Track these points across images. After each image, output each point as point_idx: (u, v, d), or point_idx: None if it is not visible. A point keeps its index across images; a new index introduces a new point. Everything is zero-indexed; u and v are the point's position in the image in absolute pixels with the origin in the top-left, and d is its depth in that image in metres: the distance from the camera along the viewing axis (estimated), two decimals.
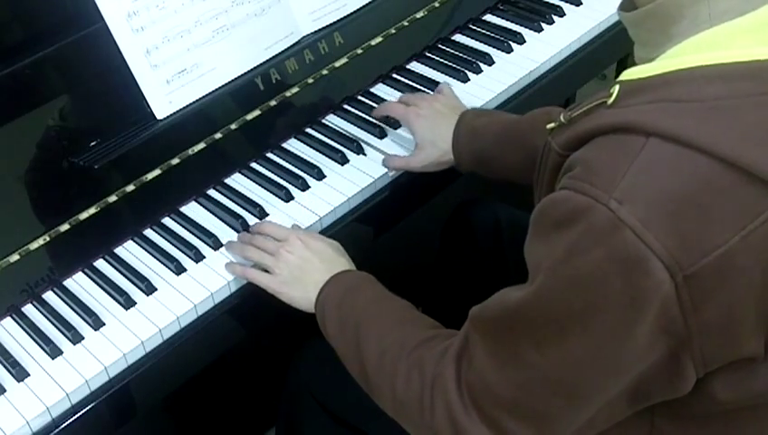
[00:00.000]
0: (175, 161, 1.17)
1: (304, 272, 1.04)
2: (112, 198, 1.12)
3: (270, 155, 1.27)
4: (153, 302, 1.06)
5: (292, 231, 1.09)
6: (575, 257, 0.67)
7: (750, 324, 0.70)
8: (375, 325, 0.93)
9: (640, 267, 0.65)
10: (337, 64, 1.32)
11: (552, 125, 0.81)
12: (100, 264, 1.12)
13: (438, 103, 1.23)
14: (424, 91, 1.35)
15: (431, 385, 0.82)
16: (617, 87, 0.73)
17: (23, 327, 1.04)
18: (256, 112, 1.24)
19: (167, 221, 1.18)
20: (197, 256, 1.11)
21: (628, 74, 0.73)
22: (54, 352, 1.01)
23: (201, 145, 1.19)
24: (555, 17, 1.49)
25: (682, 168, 0.66)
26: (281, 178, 1.22)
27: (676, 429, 0.80)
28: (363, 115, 1.33)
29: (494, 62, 1.41)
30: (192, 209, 1.19)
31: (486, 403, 0.77)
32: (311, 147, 1.28)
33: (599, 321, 0.68)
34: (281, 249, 1.05)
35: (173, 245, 1.14)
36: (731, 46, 0.69)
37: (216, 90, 1.21)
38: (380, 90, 1.38)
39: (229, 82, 1.22)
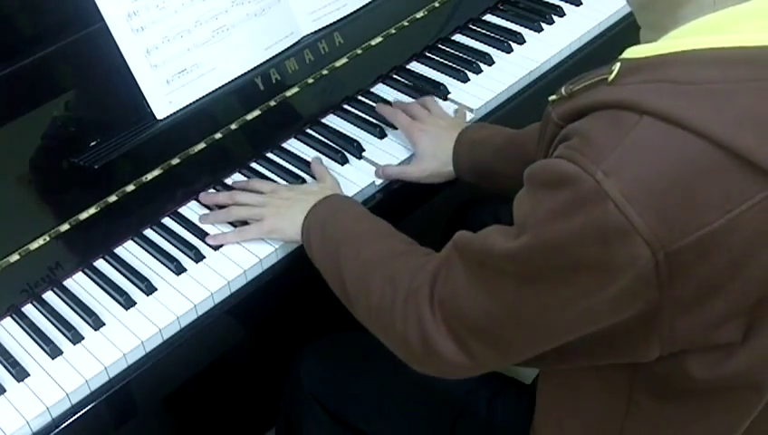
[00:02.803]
0: (175, 161, 1.17)
1: (291, 206, 1.08)
2: (112, 198, 1.12)
3: (270, 155, 1.27)
4: (153, 302, 1.06)
5: (278, 185, 1.13)
6: (557, 222, 0.69)
7: (727, 308, 0.71)
8: (355, 241, 0.97)
9: (619, 239, 0.66)
10: (337, 64, 1.32)
11: (553, 97, 0.82)
12: (100, 264, 1.12)
13: (443, 121, 1.25)
14: (424, 92, 1.35)
15: (405, 297, 0.85)
16: (618, 64, 0.73)
17: (23, 327, 1.05)
18: (256, 112, 1.24)
19: (167, 221, 1.17)
20: (197, 256, 1.11)
21: (630, 53, 0.74)
22: (54, 352, 1.01)
23: (201, 145, 1.19)
24: (555, 17, 1.49)
25: (672, 147, 0.66)
26: (281, 178, 1.22)
27: (653, 404, 0.82)
28: (363, 115, 1.33)
29: (494, 62, 1.41)
30: (192, 209, 1.19)
31: (455, 322, 0.81)
32: (311, 147, 1.28)
33: (574, 278, 0.71)
34: (268, 198, 1.10)
35: (173, 245, 1.14)
36: (731, 31, 0.70)
37: (216, 90, 1.21)
38: (380, 90, 1.38)
39: (229, 82, 1.22)
